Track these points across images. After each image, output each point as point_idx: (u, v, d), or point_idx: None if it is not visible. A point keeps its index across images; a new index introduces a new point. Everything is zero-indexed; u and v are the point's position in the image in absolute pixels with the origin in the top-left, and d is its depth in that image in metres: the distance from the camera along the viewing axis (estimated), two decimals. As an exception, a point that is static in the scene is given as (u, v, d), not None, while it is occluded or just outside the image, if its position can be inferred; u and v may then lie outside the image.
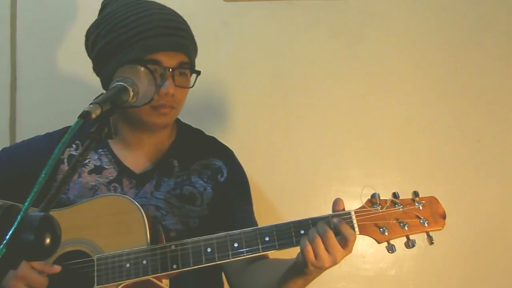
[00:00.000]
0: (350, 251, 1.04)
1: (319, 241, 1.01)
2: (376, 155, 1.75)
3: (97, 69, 1.26)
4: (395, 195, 1.07)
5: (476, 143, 1.75)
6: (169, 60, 1.18)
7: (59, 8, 1.81)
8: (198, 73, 1.26)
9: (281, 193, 1.74)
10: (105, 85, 1.24)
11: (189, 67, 1.23)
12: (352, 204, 1.76)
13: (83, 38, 1.26)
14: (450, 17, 1.78)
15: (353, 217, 1.06)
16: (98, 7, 1.27)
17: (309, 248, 1.01)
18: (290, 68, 1.78)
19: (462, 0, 1.78)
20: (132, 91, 0.96)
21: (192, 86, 1.25)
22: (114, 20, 1.19)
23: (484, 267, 1.71)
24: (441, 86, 1.77)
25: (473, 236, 1.70)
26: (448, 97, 1.76)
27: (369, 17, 1.79)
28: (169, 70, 1.17)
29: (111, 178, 1.26)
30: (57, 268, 1.09)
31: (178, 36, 1.19)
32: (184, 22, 1.26)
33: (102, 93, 0.98)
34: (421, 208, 1.06)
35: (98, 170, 1.27)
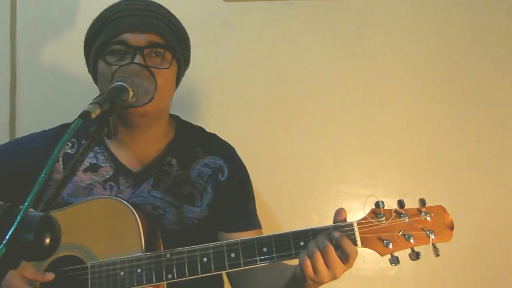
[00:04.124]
0: (351, 266, 1.01)
1: (318, 256, 0.99)
2: (376, 155, 1.74)
3: (88, 68, 1.27)
4: (400, 203, 1.02)
5: (476, 143, 1.75)
6: (136, 39, 1.15)
7: (59, 8, 1.81)
8: (175, 53, 1.19)
9: (281, 193, 1.73)
10: (96, 83, 1.25)
11: (163, 48, 1.17)
12: (351, 205, 1.76)
13: (83, 38, 1.27)
14: (450, 17, 1.78)
15: (355, 229, 1.02)
16: (98, 7, 1.27)
17: (308, 263, 0.99)
18: (290, 68, 1.78)
19: (462, 0, 1.78)
20: (132, 91, 0.96)
21: (167, 68, 1.17)
22: (93, 20, 1.23)
23: (483, 267, 1.71)
24: (441, 86, 1.77)
25: (472, 236, 1.70)
26: (448, 97, 1.76)
27: (369, 17, 1.79)
28: (137, 49, 1.14)
29: (107, 176, 1.24)
30: (50, 276, 1.07)
31: (145, 16, 1.17)
32: (158, 7, 1.23)
33: (102, 93, 0.99)
34: (428, 219, 1.02)
35: (93, 168, 1.25)
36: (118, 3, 1.22)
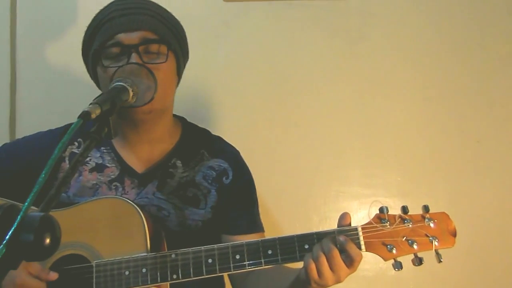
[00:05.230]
0: (355, 270, 1.02)
1: (323, 260, 0.99)
2: (376, 155, 1.74)
3: (89, 75, 1.27)
4: (404, 210, 1.04)
5: (476, 143, 1.75)
6: (129, 38, 1.15)
7: (59, 8, 1.81)
8: (170, 45, 1.19)
9: (281, 193, 1.73)
10: (98, 86, 1.25)
11: (156, 42, 1.17)
12: (351, 205, 1.76)
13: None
14: (450, 17, 1.78)
15: (360, 233, 1.03)
16: (98, 7, 1.27)
17: (312, 266, 1.00)
18: (290, 68, 1.78)
19: (462, 0, 1.79)
20: (132, 91, 0.96)
21: (164, 62, 1.17)
22: (88, 26, 1.23)
23: (483, 267, 1.71)
24: (441, 86, 1.77)
25: (472, 236, 1.70)
26: (448, 98, 1.76)
27: (369, 17, 1.79)
28: (131, 48, 1.14)
29: (112, 177, 1.25)
30: (53, 276, 1.07)
31: (136, 15, 1.17)
32: (149, 3, 1.23)
33: (102, 93, 0.99)
34: (431, 225, 1.03)
35: (99, 168, 1.26)
36: (108, 4, 1.21)
